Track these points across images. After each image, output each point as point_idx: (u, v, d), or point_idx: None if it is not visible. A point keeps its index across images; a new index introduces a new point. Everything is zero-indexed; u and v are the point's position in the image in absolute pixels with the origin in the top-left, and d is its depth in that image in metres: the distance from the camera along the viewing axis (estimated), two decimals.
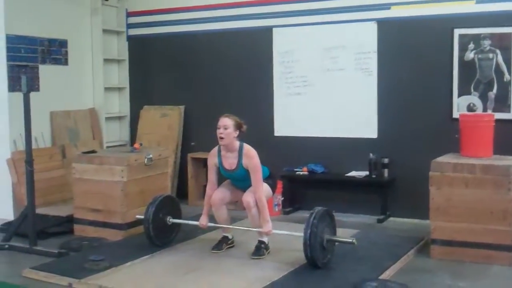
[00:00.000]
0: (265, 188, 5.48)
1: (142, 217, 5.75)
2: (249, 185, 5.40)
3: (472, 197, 5.39)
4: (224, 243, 5.70)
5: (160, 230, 5.78)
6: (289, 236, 5.93)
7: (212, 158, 5.59)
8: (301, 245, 5.77)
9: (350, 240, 5.18)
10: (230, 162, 5.46)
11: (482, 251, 5.36)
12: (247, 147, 5.41)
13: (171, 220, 5.87)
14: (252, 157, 5.35)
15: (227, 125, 5.36)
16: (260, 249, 5.47)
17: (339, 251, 5.62)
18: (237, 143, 5.43)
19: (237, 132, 5.41)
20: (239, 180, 5.49)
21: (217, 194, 5.57)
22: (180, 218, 6.03)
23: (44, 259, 5.48)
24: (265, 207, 5.34)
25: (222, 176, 5.65)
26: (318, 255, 5.00)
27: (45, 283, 4.94)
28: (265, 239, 5.53)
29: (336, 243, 5.26)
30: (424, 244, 5.89)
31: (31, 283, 4.97)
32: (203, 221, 5.65)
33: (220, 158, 5.51)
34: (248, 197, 5.37)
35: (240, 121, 5.44)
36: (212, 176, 5.63)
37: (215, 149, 5.59)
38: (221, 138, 5.36)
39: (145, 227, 5.71)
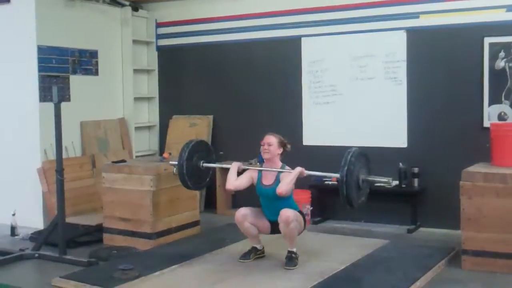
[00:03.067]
0: (299, 216, 5.43)
1: (176, 162, 5.77)
2: (277, 211, 5.35)
3: (504, 207, 5.30)
4: (252, 253, 5.68)
5: (194, 173, 5.79)
6: (318, 247, 5.93)
7: (253, 171, 5.62)
8: (330, 256, 5.77)
9: (386, 180, 5.16)
10: (269, 178, 5.49)
11: None
12: (288, 168, 5.44)
13: (204, 164, 5.87)
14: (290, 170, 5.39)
15: (271, 142, 5.45)
16: (292, 259, 5.45)
17: (369, 262, 5.59)
18: (279, 162, 5.50)
19: (281, 150, 5.49)
20: (272, 198, 5.43)
21: (241, 211, 5.56)
22: (213, 163, 6.02)
23: (73, 268, 5.51)
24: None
25: (257, 194, 5.61)
26: (353, 195, 4.96)
27: None
28: (294, 249, 5.50)
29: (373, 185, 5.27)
30: (455, 255, 5.80)
31: None
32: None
33: (261, 174, 5.55)
34: (287, 212, 5.29)
35: (285, 140, 5.52)
36: (242, 178, 5.59)
37: (258, 169, 5.63)
38: (266, 153, 5.45)
39: (179, 166, 5.71)
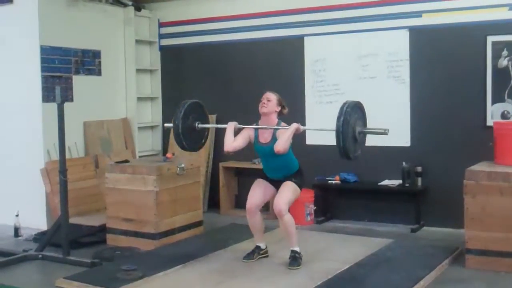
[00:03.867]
0: (294, 187, 5.46)
1: (171, 124, 5.76)
2: (277, 167, 5.42)
3: (508, 205, 5.29)
4: (256, 253, 5.69)
5: (189, 133, 5.77)
6: (321, 246, 5.93)
7: (249, 130, 5.61)
8: (333, 255, 5.77)
9: (383, 131, 5.14)
10: (265, 136, 5.49)
11: None
12: (284, 124, 5.46)
13: (199, 125, 5.85)
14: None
15: (270, 98, 5.49)
16: (296, 259, 5.45)
17: (373, 261, 5.59)
18: (275, 119, 5.51)
19: (279, 108, 5.51)
20: (270, 156, 5.43)
21: (252, 200, 5.56)
22: (207, 124, 5.99)
23: (77, 269, 5.51)
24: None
25: (256, 152, 5.64)
26: (350, 146, 4.96)
27: None
28: (297, 248, 5.51)
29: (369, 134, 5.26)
30: (458, 254, 5.80)
31: None
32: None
33: (257, 132, 5.55)
34: (279, 205, 5.33)
35: (283, 102, 5.56)
36: (239, 139, 5.56)
37: (253, 125, 5.62)
38: (263, 107, 5.46)
39: (175, 126, 5.67)
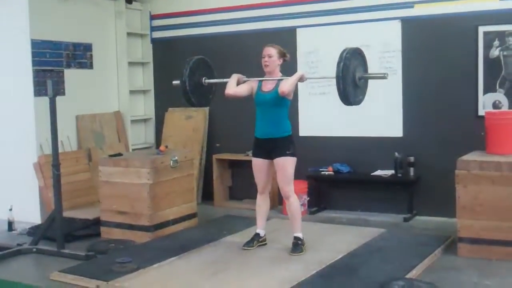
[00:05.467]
0: (290, 162, 5.53)
1: (178, 81, 5.78)
2: (271, 121, 5.49)
3: (499, 194, 5.34)
4: (255, 240, 5.75)
5: (197, 89, 5.83)
6: (315, 237, 5.96)
7: (253, 81, 5.69)
8: (327, 245, 5.80)
9: (382, 74, 5.29)
10: (268, 86, 5.58)
11: (509, 248, 5.31)
12: (286, 77, 5.54)
13: (206, 80, 5.89)
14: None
15: (271, 54, 5.57)
16: (298, 246, 5.53)
17: (366, 251, 5.63)
18: (279, 73, 5.61)
19: (281, 60, 5.61)
20: (270, 105, 5.50)
21: (261, 184, 5.72)
22: (214, 78, 6.02)
23: (71, 262, 5.52)
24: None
25: (255, 104, 5.65)
26: (350, 90, 5.06)
27: (73, 286, 4.97)
28: (300, 234, 5.59)
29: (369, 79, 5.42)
30: (451, 243, 5.85)
31: (59, 286, 5.01)
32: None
33: (261, 83, 5.63)
34: (283, 188, 5.56)
35: (284, 50, 5.64)
36: (242, 85, 5.66)
37: (258, 79, 5.70)
38: (266, 65, 5.55)
39: (182, 83, 5.71)
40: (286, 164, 5.51)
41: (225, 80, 5.76)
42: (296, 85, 5.64)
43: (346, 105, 5.24)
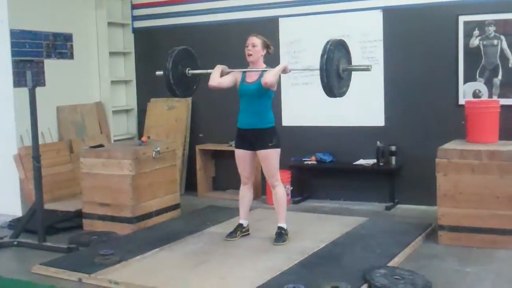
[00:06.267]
0: (274, 154, 5.55)
1: (161, 72, 5.74)
2: (255, 112, 5.50)
3: (479, 183, 5.40)
4: (238, 231, 5.77)
5: (181, 80, 5.81)
6: (298, 226, 5.98)
7: (237, 72, 5.70)
8: (310, 235, 5.83)
9: (366, 66, 5.28)
10: (253, 76, 5.58)
11: (489, 236, 5.38)
12: (270, 68, 5.55)
13: (190, 71, 5.87)
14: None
15: (255, 43, 5.57)
16: (281, 235, 5.57)
17: (349, 239, 5.66)
18: (263, 64, 5.62)
19: (264, 51, 5.61)
20: (253, 95, 5.51)
21: (244, 174, 5.72)
22: (198, 69, 5.99)
23: (53, 255, 5.49)
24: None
25: (239, 95, 5.64)
26: (333, 82, 5.06)
27: (55, 279, 4.94)
28: (284, 225, 5.63)
29: (353, 72, 5.40)
30: (431, 231, 5.90)
31: (40, 279, 4.97)
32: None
33: (244, 75, 5.63)
34: (270, 179, 5.59)
35: (268, 42, 5.65)
36: (226, 77, 5.67)
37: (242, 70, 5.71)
38: (250, 55, 5.55)
39: (165, 76, 5.68)
40: (269, 156, 5.53)
41: (209, 71, 5.74)
42: (279, 76, 5.65)
43: (330, 97, 5.22)
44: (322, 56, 5.01)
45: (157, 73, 5.84)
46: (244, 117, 5.61)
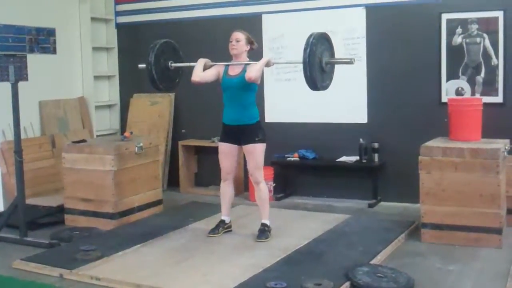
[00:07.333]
0: (259, 149, 5.56)
1: (144, 65, 5.72)
2: (239, 106, 5.50)
3: (461, 180, 5.42)
4: (221, 227, 5.76)
5: (164, 74, 5.79)
6: (281, 223, 5.99)
7: (219, 66, 5.70)
8: (293, 232, 5.84)
9: (349, 59, 5.32)
10: (235, 70, 5.58)
11: (472, 234, 5.40)
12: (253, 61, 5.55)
13: (172, 64, 5.85)
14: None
15: (239, 38, 5.59)
16: (264, 232, 5.57)
17: (331, 236, 5.67)
18: (246, 59, 5.62)
19: (248, 47, 5.62)
20: (236, 88, 5.49)
21: (225, 170, 5.70)
22: (181, 61, 5.97)
23: (34, 250, 5.46)
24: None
25: (222, 88, 5.63)
26: (317, 75, 5.07)
27: (36, 274, 4.91)
28: (267, 221, 5.64)
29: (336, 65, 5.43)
30: (414, 228, 5.92)
31: (21, 274, 4.93)
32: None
33: (227, 68, 5.63)
34: (253, 174, 5.59)
35: (252, 38, 5.68)
36: (208, 71, 5.66)
37: (225, 64, 5.71)
38: (233, 49, 5.56)
39: (148, 70, 5.66)
40: (256, 151, 5.53)
41: (192, 64, 5.73)
42: (262, 71, 5.65)
43: (313, 91, 5.23)
44: (305, 49, 5.02)
45: (140, 66, 5.81)
46: (229, 113, 5.60)
